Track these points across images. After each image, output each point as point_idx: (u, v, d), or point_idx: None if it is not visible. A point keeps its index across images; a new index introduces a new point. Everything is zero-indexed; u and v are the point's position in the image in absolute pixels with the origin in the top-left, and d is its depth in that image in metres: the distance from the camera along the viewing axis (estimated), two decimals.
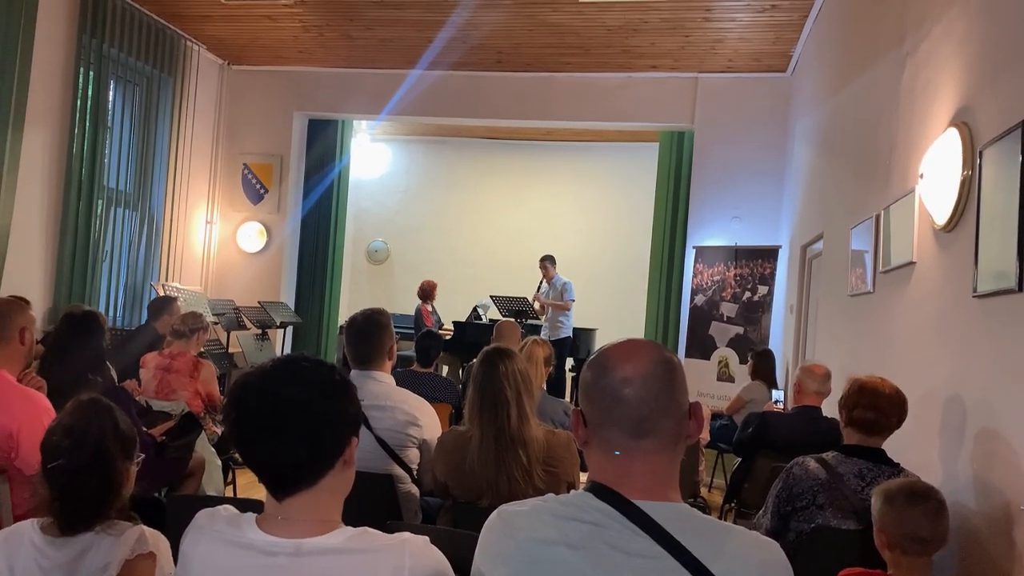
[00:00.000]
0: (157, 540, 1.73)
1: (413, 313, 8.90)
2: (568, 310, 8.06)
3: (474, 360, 5.05)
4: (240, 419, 1.25)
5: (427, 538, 1.28)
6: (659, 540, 1.13)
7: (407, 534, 1.28)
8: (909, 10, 3.49)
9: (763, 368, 5.59)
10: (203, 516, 1.31)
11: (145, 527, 1.74)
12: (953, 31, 2.90)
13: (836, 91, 5.03)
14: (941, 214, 2.77)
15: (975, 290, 2.43)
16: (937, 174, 2.83)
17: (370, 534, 1.26)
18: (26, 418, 2.38)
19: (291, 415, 1.22)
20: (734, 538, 1.17)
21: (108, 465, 1.73)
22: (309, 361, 1.29)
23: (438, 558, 1.27)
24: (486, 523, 1.25)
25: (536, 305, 8.29)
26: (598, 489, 1.19)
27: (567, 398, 7.79)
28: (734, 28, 6.27)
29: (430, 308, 8.81)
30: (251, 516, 1.28)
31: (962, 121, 2.68)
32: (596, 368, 1.24)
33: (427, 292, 8.80)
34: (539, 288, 8.29)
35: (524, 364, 2.59)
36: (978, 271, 2.42)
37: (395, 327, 3.00)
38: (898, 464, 2.48)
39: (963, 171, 2.59)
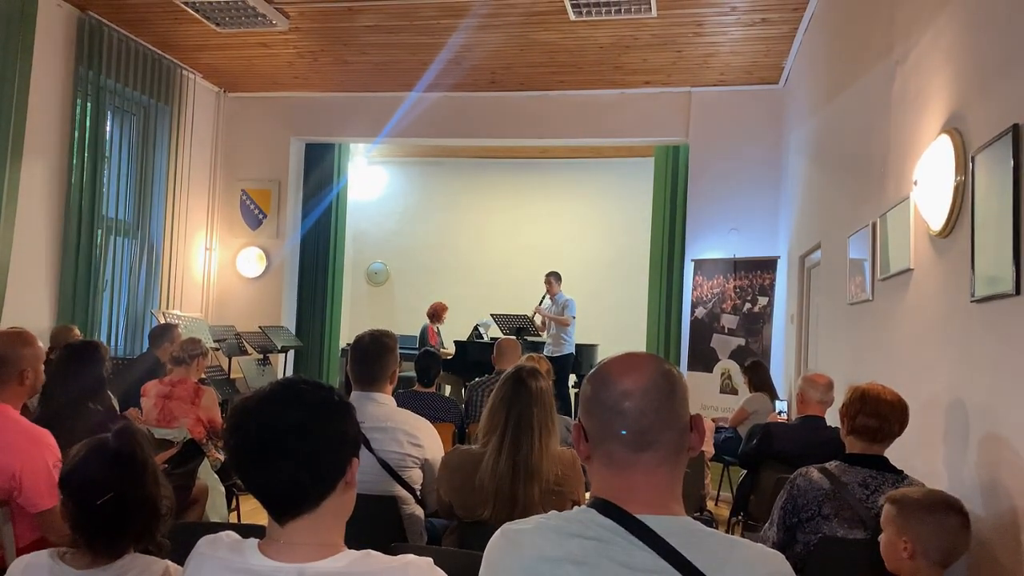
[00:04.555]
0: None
1: (414, 334, 8.93)
2: (568, 326, 8.07)
3: (476, 379, 5.04)
4: (240, 444, 1.24)
5: (431, 560, 1.28)
6: (663, 554, 1.12)
7: (411, 556, 1.27)
8: (897, 19, 3.52)
9: (758, 380, 5.58)
10: (205, 543, 1.31)
11: (171, 563, 1.67)
12: (942, 38, 2.93)
13: (828, 101, 5.05)
14: (936, 220, 2.78)
15: (973, 295, 2.43)
16: (931, 180, 2.84)
17: (373, 557, 1.26)
18: (29, 456, 2.35)
19: (291, 438, 1.22)
20: (739, 550, 1.16)
21: (143, 486, 1.65)
22: (307, 384, 1.28)
23: None
24: (490, 542, 1.24)
25: (537, 319, 8.29)
26: (601, 504, 1.18)
27: (571, 415, 7.77)
28: (725, 42, 6.31)
29: (436, 329, 8.84)
30: (253, 541, 1.27)
31: (954, 127, 2.69)
32: (596, 382, 1.24)
33: (436, 313, 8.84)
34: (541, 302, 8.32)
35: (549, 384, 2.54)
36: (975, 276, 2.42)
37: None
38: (902, 471, 2.47)
39: (956, 176, 2.61)
